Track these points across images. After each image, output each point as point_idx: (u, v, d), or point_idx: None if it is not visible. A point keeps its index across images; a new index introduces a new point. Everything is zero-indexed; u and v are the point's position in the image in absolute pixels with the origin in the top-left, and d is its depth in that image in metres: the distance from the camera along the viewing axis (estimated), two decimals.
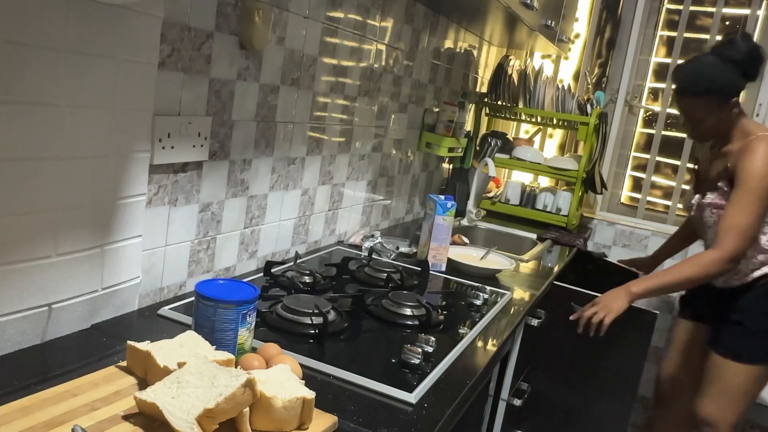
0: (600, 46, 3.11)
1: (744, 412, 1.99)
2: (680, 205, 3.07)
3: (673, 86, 1.90)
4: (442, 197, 1.82)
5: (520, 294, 1.71)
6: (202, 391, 0.78)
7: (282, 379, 0.86)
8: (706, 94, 1.81)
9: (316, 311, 1.20)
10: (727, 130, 1.86)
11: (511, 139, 3.07)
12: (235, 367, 0.88)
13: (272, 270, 1.46)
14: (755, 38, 2.85)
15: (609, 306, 1.80)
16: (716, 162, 1.93)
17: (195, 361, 0.83)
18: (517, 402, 1.78)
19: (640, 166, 3.17)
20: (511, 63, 2.85)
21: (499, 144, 2.82)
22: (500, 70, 2.84)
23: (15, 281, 0.92)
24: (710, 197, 1.90)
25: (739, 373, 1.93)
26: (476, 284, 1.63)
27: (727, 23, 2.93)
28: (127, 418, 0.79)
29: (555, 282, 2.04)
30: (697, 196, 1.99)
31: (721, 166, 1.88)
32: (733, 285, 1.93)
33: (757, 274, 1.89)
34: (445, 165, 2.82)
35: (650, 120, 3.13)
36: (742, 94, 1.89)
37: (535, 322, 1.81)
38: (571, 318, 1.87)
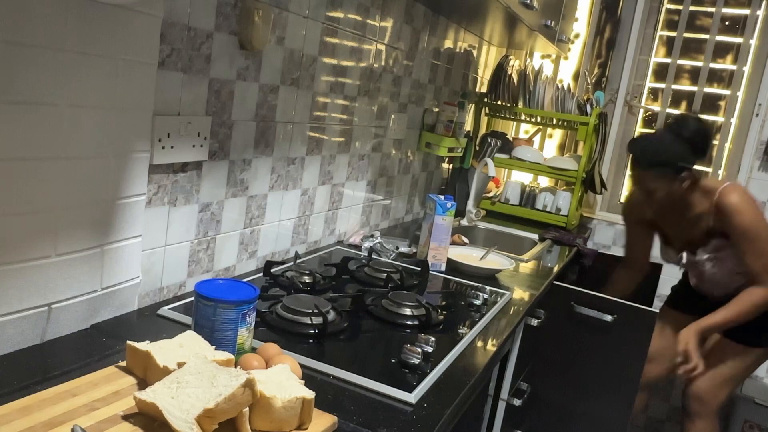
0: (600, 46, 3.11)
1: (734, 392, 2.18)
2: None
3: (630, 157, 2.05)
4: (442, 197, 1.82)
5: (520, 294, 1.71)
6: (202, 391, 0.78)
7: (281, 379, 0.86)
8: (658, 167, 1.94)
9: (315, 311, 1.20)
10: (679, 200, 2.00)
11: (511, 139, 3.06)
12: (235, 367, 0.87)
13: (272, 270, 1.46)
14: (755, 38, 2.85)
15: (689, 355, 1.97)
16: (690, 225, 2.06)
17: (195, 361, 0.83)
18: (517, 402, 1.78)
19: None
20: (510, 63, 2.85)
21: (499, 144, 2.82)
22: (500, 70, 2.84)
23: (14, 281, 0.92)
24: (706, 254, 2.06)
25: (746, 357, 2.06)
26: (476, 284, 1.63)
27: (727, 23, 2.93)
28: (126, 418, 0.79)
29: (555, 282, 2.04)
30: (685, 254, 2.17)
31: (702, 227, 2.03)
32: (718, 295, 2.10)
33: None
34: (445, 165, 2.82)
35: (650, 120, 3.13)
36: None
37: (535, 322, 1.81)
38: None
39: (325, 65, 1.64)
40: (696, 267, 2.14)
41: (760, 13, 2.85)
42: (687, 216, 2.05)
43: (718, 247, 2.02)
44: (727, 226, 1.94)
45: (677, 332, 2.12)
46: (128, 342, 0.91)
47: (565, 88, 2.78)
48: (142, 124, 1.09)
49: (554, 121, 2.88)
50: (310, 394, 0.84)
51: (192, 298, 1.03)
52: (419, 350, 1.10)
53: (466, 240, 2.25)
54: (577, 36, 3.13)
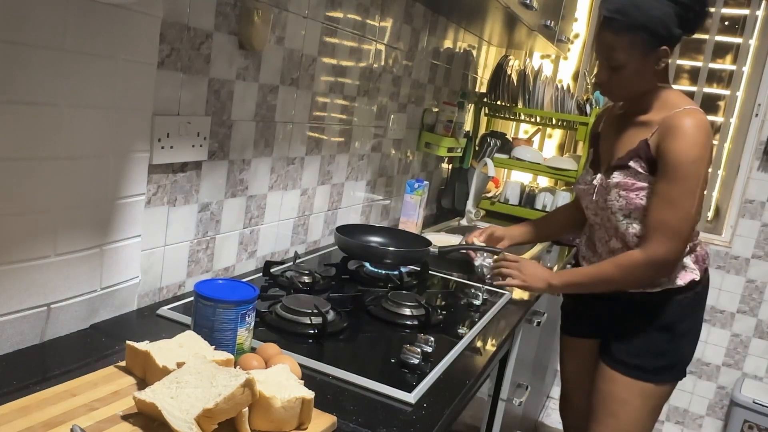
0: None
1: None
2: None
3: (600, 16, 1.46)
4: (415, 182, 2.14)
5: (520, 294, 1.71)
6: (201, 391, 0.78)
7: (281, 379, 0.86)
8: (634, 31, 1.40)
9: (315, 311, 1.20)
10: (644, 91, 1.50)
11: (511, 139, 3.07)
12: (234, 367, 0.88)
13: (271, 270, 1.46)
14: (754, 38, 2.86)
15: (528, 281, 1.58)
16: (628, 134, 1.51)
17: (194, 361, 0.83)
18: (517, 402, 1.78)
19: None
20: (510, 63, 2.85)
21: (498, 144, 2.82)
22: (499, 70, 2.84)
23: (14, 281, 0.92)
24: (618, 177, 1.48)
25: (649, 397, 1.55)
26: (476, 284, 1.63)
27: (727, 23, 2.93)
28: (126, 418, 0.79)
29: None
30: (599, 176, 1.57)
31: (636, 139, 1.48)
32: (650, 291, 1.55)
33: (679, 282, 1.52)
34: (445, 165, 2.82)
35: None
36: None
37: (535, 322, 1.81)
38: (492, 265, 1.70)
39: (325, 65, 1.64)
40: (603, 195, 1.53)
41: (760, 13, 2.85)
42: (634, 118, 1.52)
43: (635, 173, 1.46)
44: (663, 149, 1.41)
45: (585, 361, 1.75)
46: (128, 342, 0.91)
47: (565, 88, 2.78)
48: (142, 123, 1.09)
49: (554, 121, 2.88)
50: (309, 394, 0.84)
51: (191, 298, 1.03)
52: (419, 350, 1.10)
53: None
54: (576, 36, 3.14)
